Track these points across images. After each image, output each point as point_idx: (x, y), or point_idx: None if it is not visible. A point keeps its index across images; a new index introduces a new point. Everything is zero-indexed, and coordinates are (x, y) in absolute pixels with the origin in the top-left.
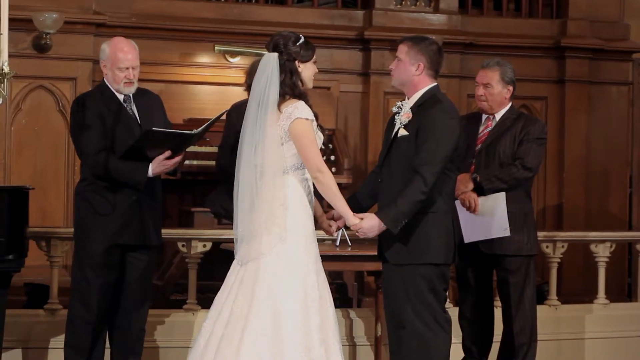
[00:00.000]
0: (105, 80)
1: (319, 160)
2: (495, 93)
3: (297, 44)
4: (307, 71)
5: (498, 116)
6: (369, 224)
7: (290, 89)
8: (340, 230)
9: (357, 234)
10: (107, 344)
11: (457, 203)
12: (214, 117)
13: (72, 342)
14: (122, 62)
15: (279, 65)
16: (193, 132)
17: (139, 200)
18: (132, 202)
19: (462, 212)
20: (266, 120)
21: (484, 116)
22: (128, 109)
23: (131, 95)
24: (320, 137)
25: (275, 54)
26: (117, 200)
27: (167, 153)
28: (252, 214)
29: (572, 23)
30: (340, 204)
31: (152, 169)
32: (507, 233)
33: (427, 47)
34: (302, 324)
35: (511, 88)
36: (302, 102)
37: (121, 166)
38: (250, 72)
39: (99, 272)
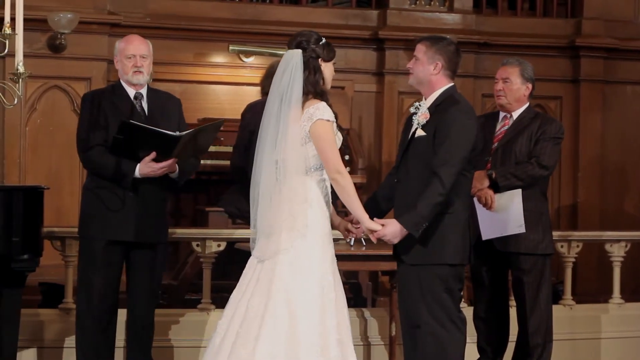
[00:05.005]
0: (119, 77)
1: (338, 162)
2: (514, 89)
3: (320, 43)
4: (327, 71)
5: (515, 115)
6: (391, 230)
7: (313, 86)
8: None
9: (380, 239)
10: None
11: (474, 200)
12: (204, 125)
13: (81, 339)
14: (129, 50)
15: (303, 62)
16: (176, 134)
17: (141, 198)
18: (134, 199)
19: (479, 209)
20: (289, 117)
21: (501, 114)
22: (137, 106)
23: (144, 94)
24: (339, 138)
25: (299, 51)
26: (121, 198)
27: (153, 154)
28: (272, 211)
29: (587, 22)
30: (357, 208)
31: (139, 169)
32: (522, 230)
33: (445, 47)
34: (318, 325)
35: (530, 86)
36: (323, 103)
37: (110, 162)
38: (267, 76)
39: (99, 271)
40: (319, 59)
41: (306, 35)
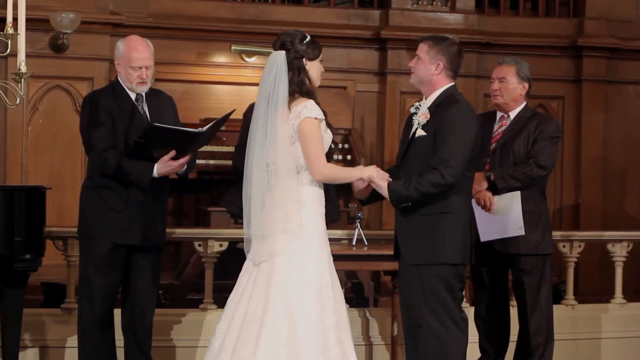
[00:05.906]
0: (119, 78)
1: (321, 162)
2: (510, 88)
3: (304, 42)
4: (314, 69)
5: (513, 114)
6: (380, 189)
7: (298, 86)
8: (357, 229)
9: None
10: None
11: (472, 202)
12: (220, 117)
13: (83, 340)
14: (135, 62)
15: (287, 63)
16: (199, 130)
17: (145, 201)
18: (138, 202)
19: (477, 211)
20: (277, 119)
21: (499, 115)
22: (139, 107)
23: (143, 95)
24: (329, 136)
25: (283, 52)
26: (122, 199)
27: (172, 153)
28: (265, 213)
29: (589, 22)
30: (351, 177)
31: (158, 169)
32: (522, 232)
33: (448, 48)
34: (317, 324)
35: (526, 85)
36: (311, 102)
37: (127, 165)
38: None
39: (102, 272)
40: (304, 59)
41: (290, 35)
